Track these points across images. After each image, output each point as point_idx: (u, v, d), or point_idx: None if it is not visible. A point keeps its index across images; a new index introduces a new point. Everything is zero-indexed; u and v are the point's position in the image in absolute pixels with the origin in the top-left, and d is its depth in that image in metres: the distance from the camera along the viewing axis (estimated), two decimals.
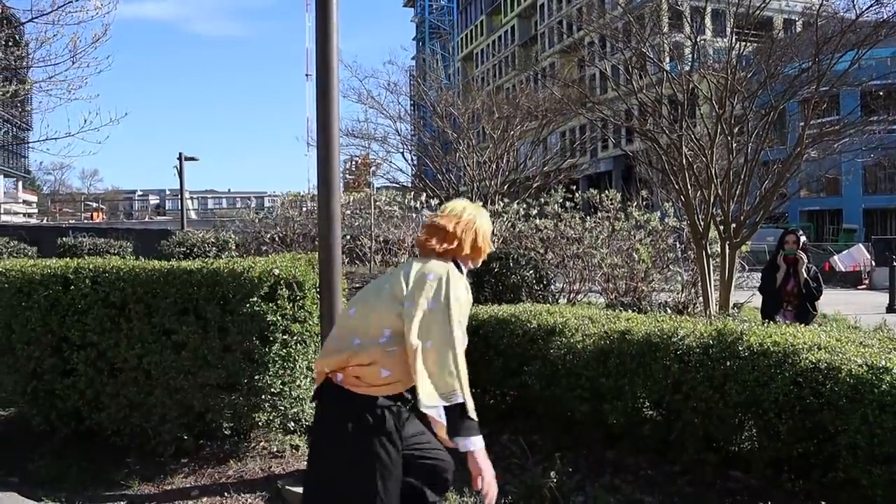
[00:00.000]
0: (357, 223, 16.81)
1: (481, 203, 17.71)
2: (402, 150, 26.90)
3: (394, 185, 27.22)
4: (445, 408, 2.58)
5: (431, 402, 2.56)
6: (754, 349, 3.99)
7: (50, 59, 9.66)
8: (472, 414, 2.64)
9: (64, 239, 16.83)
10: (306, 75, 77.03)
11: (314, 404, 2.93)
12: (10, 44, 10.68)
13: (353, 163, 33.35)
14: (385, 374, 2.65)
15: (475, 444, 2.62)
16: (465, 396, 2.62)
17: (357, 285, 11.70)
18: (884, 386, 3.38)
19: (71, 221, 51.64)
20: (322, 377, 2.77)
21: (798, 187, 14.37)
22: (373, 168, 31.61)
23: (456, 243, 2.82)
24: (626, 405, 4.58)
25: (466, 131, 24.06)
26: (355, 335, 2.70)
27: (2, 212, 57.03)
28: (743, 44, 10.78)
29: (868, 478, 3.39)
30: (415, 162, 29.07)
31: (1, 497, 4.39)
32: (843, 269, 29.69)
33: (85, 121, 9.59)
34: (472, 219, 2.89)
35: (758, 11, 10.78)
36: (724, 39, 12.02)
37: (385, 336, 2.66)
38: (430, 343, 2.58)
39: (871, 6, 9.75)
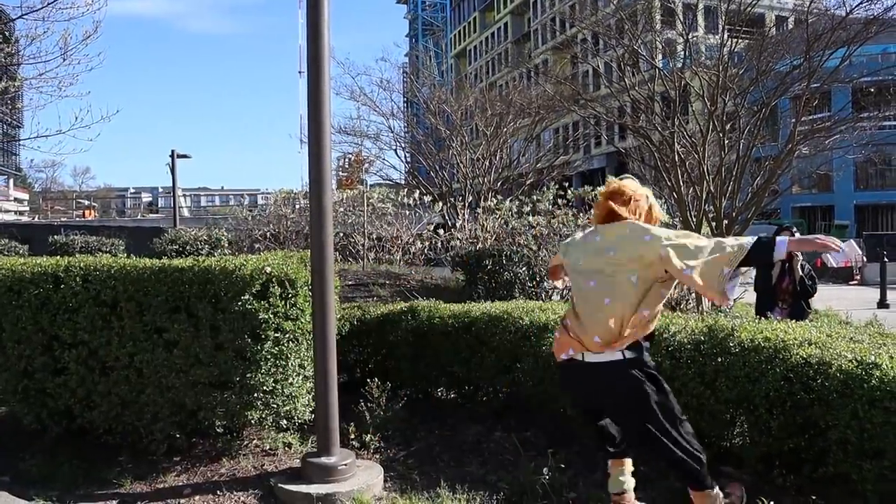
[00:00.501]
0: (350, 220, 16.80)
1: (473, 200, 17.73)
2: (395, 148, 26.82)
3: (387, 182, 27.16)
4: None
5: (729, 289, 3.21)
6: (745, 345, 4.01)
7: (40, 55, 9.62)
8: (734, 263, 3.16)
9: (55, 237, 16.74)
10: (299, 72, 76.75)
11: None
12: (0, 40, 10.62)
13: (346, 160, 33.31)
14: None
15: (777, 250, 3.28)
16: (729, 263, 3.16)
17: (350, 283, 11.70)
18: (873, 381, 3.41)
19: (63, 219, 51.50)
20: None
21: (790, 183, 14.46)
22: (366, 165, 31.54)
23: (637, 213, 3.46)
24: None
25: (459, 128, 24.03)
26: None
27: None
28: (735, 41, 10.82)
29: (858, 472, 3.42)
30: (408, 159, 29.01)
31: None
32: (835, 265, 29.75)
33: (76, 118, 9.56)
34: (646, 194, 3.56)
35: (749, 8, 10.81)
36: (716, 36, 12.06)
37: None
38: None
39: (862, 3, 9.81)
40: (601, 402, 3.61)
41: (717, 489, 3.44)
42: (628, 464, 3.78)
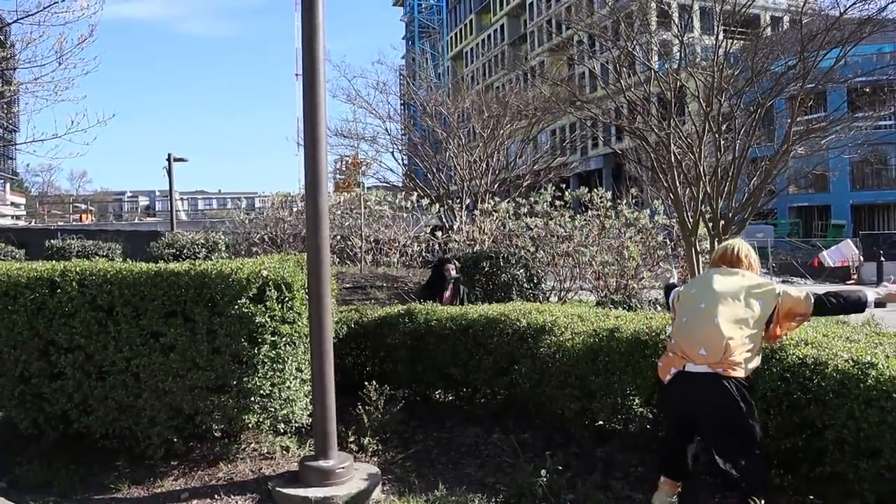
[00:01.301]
0: (347, 223, 16.78)
1: (470, 202, 17.70)
2: (391, 150, 26.83)
3: (384, 184, 27.16)
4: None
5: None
6: None
7: (36, 60, 9.60)
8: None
9: (52, 241, 16.74)
10: (296, 75, 76.75)
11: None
12: None
13: (343, 163, 33.27)
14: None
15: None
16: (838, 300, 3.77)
17: (348, 285, 11.70)
18: (869, 381, 3.42)
19: (59, 223, 51.37)
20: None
21: (786, 184, 14.48)
22: (363, 168, 31.53)
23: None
24: (615, 403, 4.60)
25: (456, 130, 24.05)
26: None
27: None
28: (730, 41, 10.83)
29: (855, 472, 3.42)
30: (405, 161, 29.03)
31: None
32: (832, 265, 29.89)
33: (72, 122, 9.54)
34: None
35: (744, 9, 10.83)
36: (712, 37, 12.08)
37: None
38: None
39: (856, 3, 9.82)
40: None
41: None
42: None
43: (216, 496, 4.35)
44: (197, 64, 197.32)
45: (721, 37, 10.54)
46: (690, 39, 13.23)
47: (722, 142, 10.15)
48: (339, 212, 16.77)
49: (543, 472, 4.18)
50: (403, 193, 18.37)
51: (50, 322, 4.74)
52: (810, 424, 3.68)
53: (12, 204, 74.89)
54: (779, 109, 14.76)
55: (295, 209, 17.38)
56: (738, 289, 3.75)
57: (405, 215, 17.13)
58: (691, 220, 9.86)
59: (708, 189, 9.93)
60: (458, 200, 19.45)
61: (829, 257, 30.47)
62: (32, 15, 9.28)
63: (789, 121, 10.17)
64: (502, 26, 76.68)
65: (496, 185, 23.21)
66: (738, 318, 3.65)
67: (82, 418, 4.80)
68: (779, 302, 3.70)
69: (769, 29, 18.08)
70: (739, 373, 3.58)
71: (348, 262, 15.06)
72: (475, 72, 78.15)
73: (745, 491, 3.50)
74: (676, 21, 11.98)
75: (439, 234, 14.82)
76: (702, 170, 10.05)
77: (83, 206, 71.42)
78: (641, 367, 4.35)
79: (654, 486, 3.94)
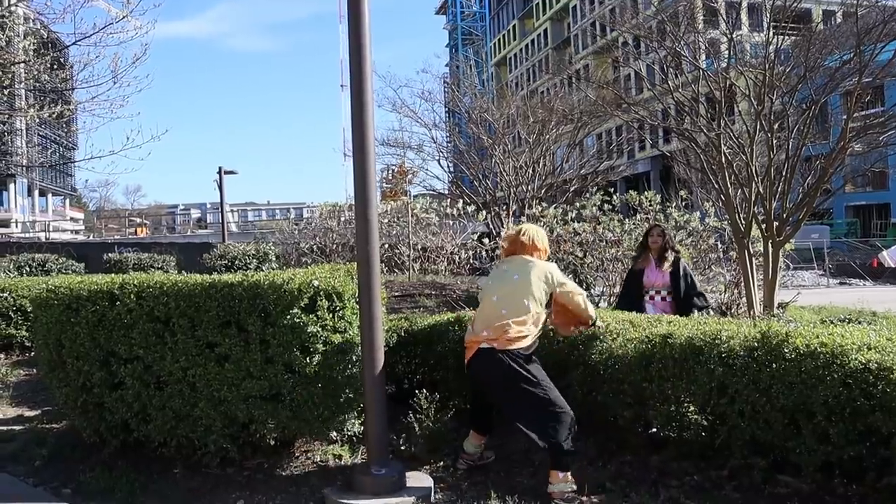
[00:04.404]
0: (395, 232, 16.89)
1: (517, 208, 17.64)
2: (437, 158, 26.96)
3: (430, 192, 27.25)
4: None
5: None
6: (801, 350, 3.91)
7: (92, 79, 9.95)
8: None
9: (110, 254, 17.24)
10: (341, 86, 77.76)
11: None
12: (55, 67, 11.01)
13: (390, 171, 33.54)
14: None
15: None
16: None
17: (396, 294, 11.76)
18: None
19: (116, 237, 52.93)
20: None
21: (842, 182, 14.01)
22: (409, 176, 31.74)
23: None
24: (669, 410, 4.52)
25: (502, 137, 24.02)
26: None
27: (51, 229, 58.62)
28: (781, 38, 10.56)
29: None
30: (451, 169, 29.10)
31: None
32: (893, 265, 28.87)
33: (127, 138, 9.86)
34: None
35: (795, 4, 10.55)
36: (762, 34, 11.81)
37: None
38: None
39: None
40: None
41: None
42: None
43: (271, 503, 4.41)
44: (244, 78, 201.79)
45: (771, 33, 10.29)
46: (739, 37, 12.97)
47: (774, 141, 9.89)
48: (386, 220, 16.89)
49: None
50: (450, 201, 18.41)
51: (110, 333, 4.88)
52: (875, 432, 3.55)
53: (72, 219, 77.51)
54: (834, 106, 14.34)
55: (343, 219, 17.56)
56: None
57: (452, 223, 17.17)
58: (744, 222, 9.62)
59: (760, 190, 9.69)
60: (505, 207, 19.40)
61: (890, 257, 29.44)
62: (89, 37, 9.63)
63: (845, 117, 9.86)
64: (545, 31, 76.40)
65: (543, 191, 23.08)
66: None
67: (141, 427, 4.92)
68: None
69: (821, 23, 17.62)
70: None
71: (396, 271, 15.15)
72: (519, 77, 78.00)
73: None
74: (724, 18, 11.72)
75: (486, 241, 14.79)
76: (754, 170, 9.81)
77: (138, 220, 73.44)
78: (696, 374, 4.26)
79: (710, 495, 3.86)
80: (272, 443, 4.88)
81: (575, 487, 4.22)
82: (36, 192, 70.23)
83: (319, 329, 4.56)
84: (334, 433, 4.96)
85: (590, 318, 4.86)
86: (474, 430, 4.84)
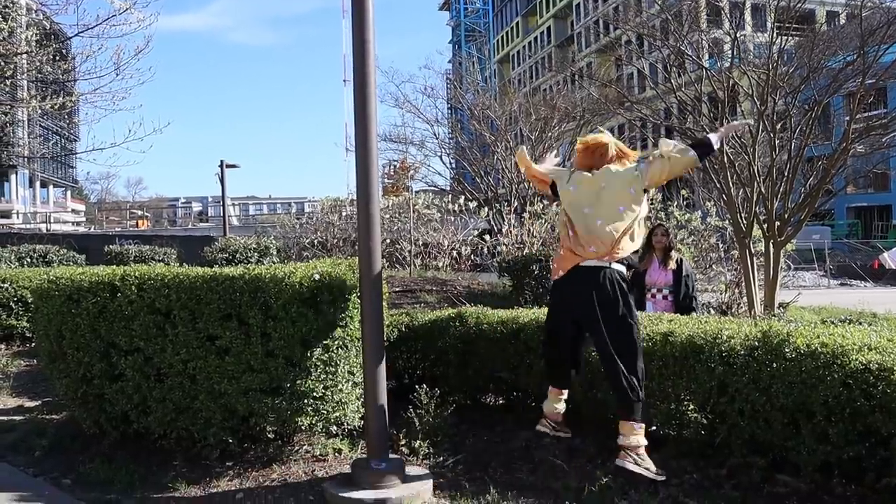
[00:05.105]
0: (396, 227, 16.89)
1: (518, 205, 17.64)
2: (439, 154, 27.00)
3: (432, 188, 27.31)
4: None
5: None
6: (801, 350, 3.91)
7: (95, 71, 9.96)
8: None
9: (111, 247, 17.20)
10: (344, 81, 77.59)
11: None
12: (58, 58, 11.00)
13: (392, 167, 33.57)
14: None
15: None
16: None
17: (397, 289, 11.76)
18: None
19: (117, 229, 52.91)
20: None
21: (844, 183, 14.02)
22: (411, 172, 31.75)
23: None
24: (669, 408, 4.52)
25: (504, 133, 24.03)
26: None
27: (52, 220, 58.61)
28: (784, 38, 10.56)
29: None
30: (453, 165, 29.13)
31: (56, 497, 4.51)
32: (894, 267, 28.86)
33: (129, 131, 9.88)
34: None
35: (799, 4, 10.54)
36: (765, 34, 11.80)
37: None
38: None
39: None
40: None
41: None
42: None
43: (270, 497, 4.41)
44: (247, 72, 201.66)
45: (775, 33, 10.28)
46: (743, 37, 12.96)
47: (777, 141, 9.90)
48: (387, 216, 16.89)
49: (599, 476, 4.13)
50: (451, 197, 18.40)
51: (111, 325, 4.88)
52: (875, 432, 3.56)
53: (73, 211, 77.54)
54: (836, 107, 14.33)
55: (344, 213, 17.57)
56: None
57: (453, 219, 17.17)
58: (745, 222, 9.63)
59: (762, 190, 9.69)
60: (507, 203, 19.40)
61: (890, 259, 29.42)
62: (91, 28, 9.63)
63: (848, 118, 9.86)
64: (549, 28, 76.35)
65: None
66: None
67: (141, 419, 4.93)
68: None
69: (825, 24, 17.59)
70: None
71: (397, 266, 15.14)
72: (522, 74, 77.94)
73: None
74: (728, 18, 11.71)
75: (488, 237, 14.79)
76: (756, 170, 9.81)
77: (139, 213, 73.42)
78: (696, 372, 4.27)
79: (708, 493, 3.86)
80: (272, 436, 4.89)
81: (647, 443, 4.30)
82: (37, 184, 70.22)
83: (320, 323, 4.56)
84: (334, 427, 4.96)
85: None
86: (552, 386, 4.80)
